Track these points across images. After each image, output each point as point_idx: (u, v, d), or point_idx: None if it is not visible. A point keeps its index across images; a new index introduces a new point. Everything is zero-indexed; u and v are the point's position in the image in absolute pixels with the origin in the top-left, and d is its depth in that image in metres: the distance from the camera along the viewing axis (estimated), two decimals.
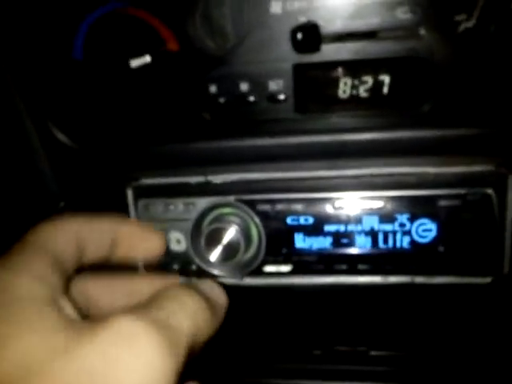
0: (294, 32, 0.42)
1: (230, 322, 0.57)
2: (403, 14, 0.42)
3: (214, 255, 0.48)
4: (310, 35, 0.42)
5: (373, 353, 0.59)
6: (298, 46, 0.42)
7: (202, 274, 0.53)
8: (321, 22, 0.43)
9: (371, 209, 0.49)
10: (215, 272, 0.52)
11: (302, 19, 0.43)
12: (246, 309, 0.58)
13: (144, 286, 0.39)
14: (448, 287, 0.52)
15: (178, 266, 0.53)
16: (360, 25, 0.43)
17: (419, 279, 0.52)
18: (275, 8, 0.43)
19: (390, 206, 0.49)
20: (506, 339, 0.56)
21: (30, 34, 0.46)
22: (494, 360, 0.58)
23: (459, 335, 0.58)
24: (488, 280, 0.51)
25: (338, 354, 0.59)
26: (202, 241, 0.49)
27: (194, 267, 0.53)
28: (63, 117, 0.49)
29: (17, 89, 0.49)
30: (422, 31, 0.42)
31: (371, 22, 0.43)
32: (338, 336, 0.60)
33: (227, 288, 0.53)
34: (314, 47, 0.43)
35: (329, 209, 0.50)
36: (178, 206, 0.52)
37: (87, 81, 0.46)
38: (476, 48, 0.42)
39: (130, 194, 0.54)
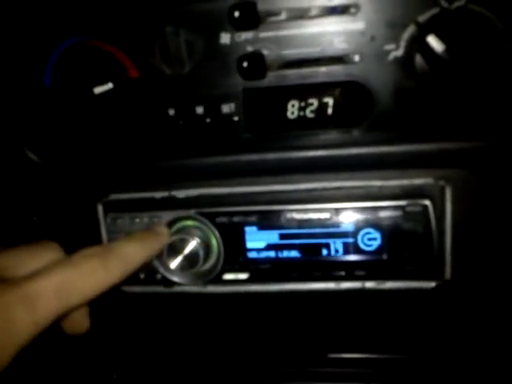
0: (240, 61, 0.46)
1: (196, 327, 0.61)
2: (340, 44, 0.47)
3: (175, 263, 0.52)
4: (255, 64, 0.46)
5: (331, 355, 0.62)
6: (244, 74, 0.47)
7: (168, 281, 0.57)
8: (266, 52, 0.47)
9: (321, 220, 0.54)
10: (177, 280, 0.56)
11: (249, 49, 0.47)
12: (211, 314, 0.62)
13: None
14: (397, 292, 0.56)
15: (144, 275, 0.57)
16: (303, 53, 0.47)
17: (369, 284, 0.56)
18: (224, 39, 0.47)
19: (338, 217, 0.53)
20: (452, 341, 0.60)
21: (4, 63, 0.50)
22: (444, 359, 0.61)
23: (412, 338, 0.62)
24: (432, 285, 0.55)
25: (297, 356, 0.63)
26: (165, 251, 0.52)
27: (158, 276, 0.57)
28: (34, 138, 0.53)
29: None
30: (357, 59, 0.47)
31: (313, 50, 0.47)
32: (297, 340, 0.63)
33: (192, 295, 0.57)
34: (260, 75, 0.47)
35: (281, 220, 0.54)
36: (144, 219, 0.56)
37: (56, 105, 0.50)
38: (406, 74, 0.47)
39: (100, 208, 0.58)
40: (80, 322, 0.41)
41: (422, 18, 0.44)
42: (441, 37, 0.42)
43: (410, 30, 0.45)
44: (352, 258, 0.54)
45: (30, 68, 0.49)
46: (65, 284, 0.34)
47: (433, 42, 0.42)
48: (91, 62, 0.48)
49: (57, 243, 0.40)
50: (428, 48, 0.43)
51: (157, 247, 0.47)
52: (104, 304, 0.43)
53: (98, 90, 0.47)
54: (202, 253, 0.53)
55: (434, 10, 0.44)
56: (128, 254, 0.40)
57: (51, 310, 0.33)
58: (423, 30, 0.43)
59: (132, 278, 0.56)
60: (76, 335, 0.41)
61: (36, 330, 0.32)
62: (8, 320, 0.30)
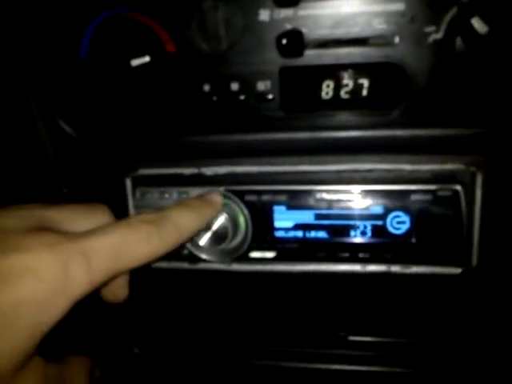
0: (279, 38, 0.46)
1: (219, 305, 0.61)
2: (379, 25, 0.47)
3: (204, 240, 0.53)
4: (293, 41, 0.46)
5: (351, 338, 0.63)
6: (283, 51, 0.47)
7: (193, 258, 0.57)
8: (304, 30, 0.47)
9: (350, 201, 0.54)
10: (204, 256, 0.56)
11: (288, 27, 0.47)
12: (234, 293, 0.63)
13: None
14: (422, 277, 0.56)
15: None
16: (340, 33, 0.47)
17: (395, 268, 0.56)
18: (263, 16, 0.47)
19: (368, 199, 0.53)
20: (477, 329, 0.60)
21: (42, 36, 0.50)
22: (467, 346, 0.61)
23: (435, 323, 0.62)
24: (458, 271, 0.55)
25: (318, 338, 0.63)
26: None
27: (185, 251, 0.57)
28: (69, 109, 0.54)
29: (27, 83, 0.54)
30: (396, 40, 0.46)
31: (351, 31, 0.47)
32: (319, 321, 0.64)
33: (217, 273, 0.57)
34: (298, 52, 0.47)
35: (310, 200, 0.54)
36: (173, 194, 0.56)
37: (92, 78, 0.51)
38: (445, 57, 0.46)
39: (128, 183, 0.58)
40: (120, 290, 0.41)
41: (465, 0, 0.43)
42: (484, 18, 0.42)
43: (452, 11, 0.44)
44: (380, 240, 0.54)
45: (68, 39, 0.50)
46: (121, 245, 0.34)
47: (476, 23, 0.42)
48: (129, 35, 0.48)
49: (107, 207, 0.40)
50: (471, 30, 0.42)
51: (209, 216, 0.47)
52: (130, 278, 0.43)
53: (135, 62, 0.47)
54: (230, 229, 0.53)
55: None
56: (182, 224, 0.40)
57: (105, 269, 0.33)
58: (466, 11, 0.43)
59: None
60: (114, 303, 0.42)
61: (89, 288, 0.32)
62: (65, 273, 0.31)
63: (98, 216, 0.39)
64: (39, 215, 0.35)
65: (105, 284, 0.39)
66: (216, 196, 0.50)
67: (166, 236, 0.38)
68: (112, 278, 0.35)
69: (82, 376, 0.38)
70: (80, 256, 0.32)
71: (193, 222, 0.42)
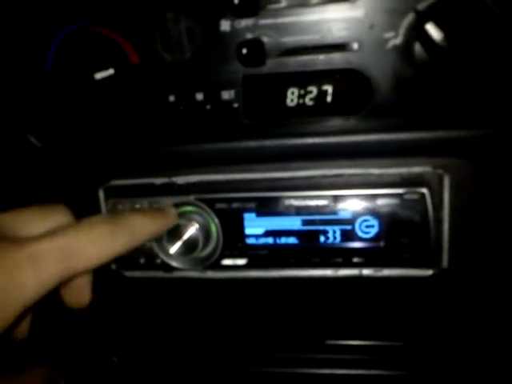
0: (239, 47, 0.46)
1: (196, 312, 0.62)
2: (339, 32, 0.47)
3: (174, 249, 0.53)
4: (254, 50, 0.47)
5: (328, 342, 0.63)
6: (244, 61, 0.47)
7: (167, 267, 0.57)
8: (265, 39, 0.47)
9: (320, 206, 0.54)
10: (176, 265, 0.57)
11: (249, 36, 0.47)
12: (211, 300, 0.63)
13: None
14: (394, 280, 0.57)
15: (144, 260, 0.58)
16: (302, 41, 0.48)
17: (367, 272, 0.56)
18: (224, 26, 0.47)
19: (336, 204, 0.54)
20: (448, 329, 0.60)
21: (7, 49, 0.51)
22: (442, 347, 0.62)
23: (410, 325, 0.63)
24: (429, 273, 0.55)
25: (295, 342, 0.64)
26: (165, 236, 0.53)
27: (158, 261, 0.57)
28: (37, 123, 0.54)
29: None
30: (356, 46, 0.47)
31: (312, 38, 0.48)
32: (296, 326, 0.64)
33: (191, 280, 0.58)
34: (259, 61, 0.48)
35: (280, 207, 0.54)
36: (144, 204, 0.56)
37: (57, 90, 0.51)
38: (404, 61, 0.47)
39: (101, 194, 0.58)
40: (81, 295, 0.41)
41: (421, 6, 0.44)
42: (439, 25, 0.42)
43: (410, 17, 0.45)
44: (350, 245, 0.54)
45: (32, 53, 0.50)
46: (71, 247, 0.34)
47: (431, 29, 0.43)
48: (92, 48, 0.48)
49: (66, 207, 0.40)
50: (427, 36, 0.43)
51: (164, 225, 0.48)
52: (104, 288, 0.43)
53: (99, 75, 0.48)
54: (201, 238, 0.53)
55: None
56: (135, 227, 0.40)
57: (55, 272, 0.33)
58: (422, 17, 0.43)
59: (132, 263, 0.58)
60: (76, 309, 0.42)
61: (40, 292, 0.32)
62: (14, 278, 0.31)
63: (57, 217, 0.39)
64: None
65: (64, 287, 0.40)
66: (170, 208, 0.51)
67: (119, 237, 0.38)
68: (68, 280, 0.35)
69: None
70: (26, 261, 0.32)
71: (145, 226, 0.42)
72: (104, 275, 0.42)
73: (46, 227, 0.37)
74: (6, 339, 0.36)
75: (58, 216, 0.39)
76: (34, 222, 0.38)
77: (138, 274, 0.60)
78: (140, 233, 0.41)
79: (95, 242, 0.36)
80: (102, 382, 0.66)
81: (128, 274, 0.60)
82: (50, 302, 0.35)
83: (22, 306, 0.32)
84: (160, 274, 0.59)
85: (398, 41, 0.46)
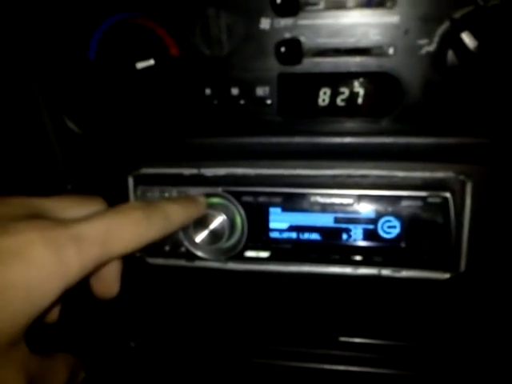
0: (278, 46, 0.48)
1: (215, 302, 0.63)
2: (375, 36, 0.49)
3: (200, 238, 0.54)
4: (292, 49, 0.48)
5: (342, 339, 0.64)
6: (281, 59, 0.49)
7: (190, 255, 0.59)
8: (303, 39, 0.49)
9: (343, 205, 0.55)
10: (201, 254, 0.58)
11: (287, 35, 0.49)
12: (229, 291, 0.65)
13: None
14: (412, 281, 0.58)
15: (169, 248, 0.59)
16: (338, 43, 0.49)
17: (385, 272, 0.57)
18: (264, 24, 0.49)
19: (360, 204, 0.55)
20: (462, 333, 0.62)
21: (52, 38, 0.53)
22: (457, 349, 0.63)
23: (425, 327, 0.64)
24: (446, 276, 0.56)
25: (309, 338, 0.65)
26: (191, 225, 0.55)
27: (183, 249, 0.59)
28: (76, 109, 0.56)
29: (36, 82, 0.56)
30: (391, 51, 0.48)
31: (348, 41, 0.49)
32: (312, 321, 0.65)
33: (213, 271, 0.59)
34: (296, 60, 0.49)
35: (305, 203, 0.56)
36: (172, 193, 0.58)
37: (99, 79, 0.53)
38: (437, 68, 0.48)
39: (130, 181, 0.60)
40: (110, 285, 0.42)
41: (456, 15, 0.46)
42: (474, 34, 0.44)
43: (445, 25, 0.46)
44: (371, 244, 0.55)
45: (76, 42, 0.52)
46: (110, 231, 0.35)
47: (466, 38, 0.44)
48: (135, 39, 0.50)
49: (103, 198, 0.42)
50: (461, 44, 0.44)
51: (195, 213, 0.49)
52: (127, 274, 0.44)
53: (140, 65, 0.50)
54: (226, 229, 0.55)
55: (469, 8, 0.45)
56: (170, 214, 0.42)
57: (96, 254, 0.34)
58: (457, 26, 0.45)
59: (157, 250, 0.59)
60: (104, 299, 0.42)
61: (80, 273, 0.33)
62: (57, 257, 0.31)
63: (93, 206, 0.40)
64: (32, 204, 0.36)
65: (96, 276, 0.41)
66: (201, 197, 0.53)
67: (155, 223, 0.39)
68: (102, 265, 0.37)
69: (63, 373, 0.38)
70: (71, 241, 0.32)
71: (180, 214, 0.44)
72: (126, 261, 0.43)
73: (83, 215, 0.37)
74: (39, 321, 0.37)
75: (96, 206, 0.41)
76: (73, 208, 0.39)
77: (160, 261, 0.61)
78: (174, 220, 0.43)
79: (132, 227, 0.37)
80: (118, 367, 0.68)
81: (151, 260, 0.62)
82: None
83: (65, 286, 0.32)
84: (182, 262, 0.61)
85: (431, 48, 0.48)
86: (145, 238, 0.38)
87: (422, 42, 0.47)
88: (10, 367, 0.32)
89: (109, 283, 0.42)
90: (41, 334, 0.41)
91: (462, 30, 0.44)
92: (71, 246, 0.32)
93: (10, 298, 0.30)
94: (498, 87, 0.47)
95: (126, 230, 0.37)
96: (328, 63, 0.50)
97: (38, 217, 0.35)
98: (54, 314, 0.41)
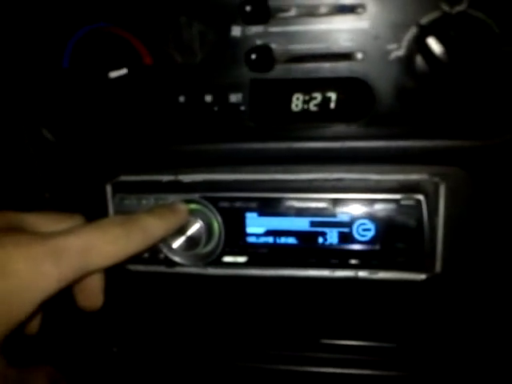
0: (248, 53, 0.49)
1: (196, 307, 0.63)
2: (345, 42, 0.49)
3: (177, 244, 0.55)
4: (263, 56, 0.49)
5: (324, 341, 0.65)
6: (252, 65, 0.49)
7: (169, 262, 0.59)
8: (274, 46, 0.50)
9: (319, 209, 0.56)
10: (179, 260, 0.58)
11: (258, 42, 0.50)
12: (210, 296, 0.65)
13: None
14: (389, 283, 0.59)
15: (148, 254, 0.60)
16: (309, 49, 0.50)
17: (362, 273, 0.58)
18: (235, 32, 0.49)
19: (335, 207, 0.56)
20: (440, 332, 0.62)
21: (26, 47, 0.53)
22: (436, 350, 0.64)
23: (404, 328, 0.64)
24: (422, 277, 0.57)
25: (290, 341, 0.65)
26: None
27: (161, 256, 0.59)
28: (51, 118, 0.56)
29: (11, 91, 0.56)
30: (360, 56, 0.49)
31: (319, 46, 0.50)
32: (293, 324, 0.66)
33: (192, 276, 0.60)
34: (267, 67, 0.50)
35: (281, 208, 0.56)
36: (150, 200, 0.58)
37: (72, 87, 0.53)
38: (406, 73, 0.49)
39: (109, 189, 0.60)
40: (95, 297, 0.42)
41: (423, 21, 0.46)
42: (440, 39, 0.45)
43: (412, 31, 0.47)
44: (347, 247, 0.56)
45: (50, 51, 0.52)
46: (89, 245, 0.36)
47: (432, 43, 0.45)
48: (108, 48, 0.50)
49: (82, 216, 0.42)
50: (428, 49, 0.45)
51: (175, 224, 0.49)
52: (108, 280, 0.45)
53: (113, 74, 0.50)
54: (203, 235, 0.55)
55: (436, 14, 0.46)
56: (149, 228, 0.42)
57: (74, 267, 0.34)
58: (424, 31, 0.46)
59: (136, 257, 0.59)
60: (89, 311, 0.43)
61: (58, 286, 0.33)
62: (36, 271, 0.32)
63: (72, 222, 0.41)
64: (10, 218, 0.37)
65: (79, 289, 0.42)
66: (181, 205, 0.52)
67: (133, 238, 0.40)
68: (83, 278, 0.37)
69: None
70: (49, 255, 0.33)
71: (159, 227, 0.44)
72: (107, 268, 0.43)
73: (62, 229, 0.38)
74: (18, 333, 0.37)
75: (74, 222, 0.41)
76: (51, 223, 0.40)
77: (141, 267, 0.62)
78: (153, 233, 0.43)
79: (111, 243, 0.38)
80: (101, 372, 0.68)
81: (131, 267, 0.62)
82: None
83: (42, 298, 0.33)
84: (162, 268, 0.61)
85: (400, 52, 0.48)
86: (124, 253, 0.39)
87: (391, 47, 0.48)
88: None
89: (93, 296, 0.43)
90: (20, 345, 0.41)
91: (428, 36, 0.45)
92: (49, 259, 0.33)
93: None
94: (467, 90, 0.48)
95: (104, 245, 0.37)
96: (300, 69, 0.51)
97: (16, 230, 0.35)
98: (35, 326, 0.42)
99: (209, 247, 0.58)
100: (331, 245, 0.56)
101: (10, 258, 0.32)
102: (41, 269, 0.32)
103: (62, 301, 0.39)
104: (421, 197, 0.54)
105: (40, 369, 0.39)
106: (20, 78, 0.55)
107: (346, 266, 0.57)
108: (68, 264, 0.34)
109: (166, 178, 0.59)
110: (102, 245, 0.37)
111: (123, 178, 0.60)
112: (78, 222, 0.42)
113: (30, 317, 0.34)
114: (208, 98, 0.53)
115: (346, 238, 0.56)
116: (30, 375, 0.37)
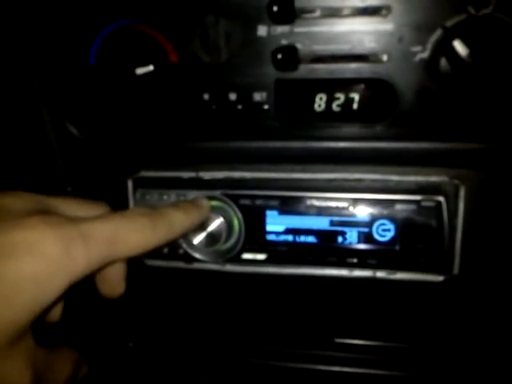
0: (274, 52, 0.49)
1: (213, 304, 0.64)
2: (370, 43, 0.50)
3: (198, 240, 0.56)
4: (288, 56, 0.49)
5: (337, 340, 0.65)
6: (278, 65, 0.50)
7: (188, 258, 0.60)
8: (299, 46, 0.50)
9: (339, 208, 0.56)
10: (198, 256, 0.59)
11: (284, 42, 0.50)
12: (227, 293, 0.66)
13: None
14: (406, 283, 0.59)
15: (168, 250, 0.60)
16: (333, 50, 0.50)
17: (380, 274, 0.58)
18: (261, 31, 0.50)
19: (355, 207, 0.56)
20: (456, 335, 0.63)
21: (54, 44, 0.54)
22: (451, 351, 0.64)
23: (420, 328, 0.65)
24: (440, 278, 0.58)
25: (304, 339, 0.66)
26: None
27: (181, 251, 0.60)
28: (76, 113, 0.57)
29: (38, 86, 0.57)
30: (385, 58, 0.50)
31: (343, 47, 0.50)
32: (308, 323, 0.66)
33: (210, 273, 0.60)
34: (292, 67, 0.50)
35: (301, 207, 0.57)
36: (171, 196, 0.59)
37: (99, 84, 0.54)
38: (430, 75, 0.49)
39: (130, 184, 0.61)
40: (117, 284, 0.43)
41: (449, 23, 0.47)
42: (466, 42, 0.45)
43: (437, 33, 0.47)
44: (365, 246, 0.56)
45: (78, 48, 0.53)
46: (116, 233, 0.36)
47: (458, 46, 0.45)
48: (135, 45, 0.51)
49: (107, 204, 0.43)
50: (453, 52, 0.45)
51: (198, 219, 0.50)
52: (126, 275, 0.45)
53: (139, 71, 0.51)
54: (224, 231, 0.56)
55: (462, 16, 0.46)
56: (174, 221, 0.43)
57: (101, 253, 0.35)
58: (450, 34, 0.46)
59: (156, 252, 0.60)
60: (110, 298, 0.44)
61: (86, 270, 0.34)
62: (66, 253, 0.32)
63: (98, 209, 0.41)
64: (41, 200, 0.37)
65: (101, 276, 0.42)
66: (204, 201, 0.53)
67: (158, 229, 0.40)
68: (106, 266, 0.38)
69: (68, 367, 0.39)
70: (80, 238, 0.33)
71: (183, 221, 0.45)
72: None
73: (90, 215, 0.38)
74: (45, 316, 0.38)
75: (101, 209, 0.42)
76: (79, 209, 0.40)
77: (159, 263, 0.62)
78: (178, 227, 0.44)
79: (138, 232, 0.38)
80: (117, 367, 0.69)
81: (150, 262, 0.63)
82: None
83: (70, 281, 0.33)
84: (181, 264, 0.62)
85: (425, 55, 0.49)
86: (149, 244, 0.40)
87: (416, 49, 0.48)
88: (18, 358, 0.33)
89: (115, 284, 0.44)
90: (45, 328, 0.42)
91: (454, 38, 0.45)
92: (80, 242, 0.33)
93: (20, 290, 0.31)
94: (490, 93, 0.48)
95: (131, 234, 0.38)
96: (324, 69, 0.51)
97: (47, 213, 0.36)
98: (57, 314, 0.42)
99: (228, 244, 0.58)
100: (350, 244, 0.57)
101: (41, 238, 0.32)
102: (72, 251, 0.33)
103: (78, 295, 0.40)
104: (441, 198, 0.54)
105: (65, 350, 0.40)
106: (47, 74, 0.56)
107: (365, 265, 0.57)
108: (96, 250, 0.35)
109: (187, 174, 0.59)
110: (129, 234, 0.38)
111: (144, 173, 0.61)
112: (103, 209, 0.43)
113: (55, 302, 0.34)
114: (232, 97, 0.53)
115: (366, 237, 0.56)
116: (56, 356, 0.38)
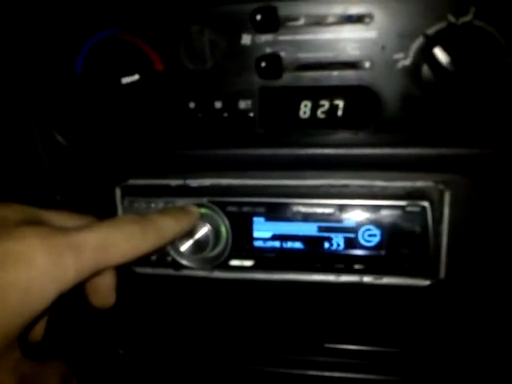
0: (258, 61, 0.50)
1: (202, 310, 0.64)
2: (353, 51, 0.50)
3: (185, 247, 0.56)
4: (272, 64, 0.50)
5: (327, 345, 0.65)
6: (262, 73, 0.50)
7: (177, 265, 0.60)
8: (283, 54, 0.51)
9: (325, 214, 0.57)
10: (186, 263, 0.59)
11: (268, 50, 0.51)
12: (216, 299, 0.66)
13: None
14: (393, 288, 0.59)
15: (156, 257, 0.60)
16: (317, 57, 0.51)
17: (367, 279, 0.59)
18: (245, 40, 0.51)
19: (341, 213, 0.57)
20: (443, 338, 0.63)
21: (40, 54, 0.54)
22: (439, 355, 0.64)
23: (408, 333, 0.65)
24: (426, 283, 0.58)
25: (294, 345, 0.66)
26: None
27: (169, 259, 0.60)
28: (63, 122, 0.57)
29: (25, 96, 0.57)
30: (368, 65, 0.50)
31: (327, 55, 0.51)
32: (297, 328, 0.67)
33: (199, 279, 0.60)
34: (276, 75, 0.51)
35: (288, 213, 0.57)
36: (159, 204, 0.59)
37: (85, 93, 0.54)
38: (412, 82, 0.50)
39: (118, 192, 0.61)
40: (108, 294, 0.43)
41: (430, 31, 0.47)
42: (446, 49, 0.46)
43: (419, 41, 0.48)
44: (352, 252, 0.57)
45: (64, 57, 0.53)
46: (106, 241, 0.36)
47: (439, 53, 0.46)
48: (120, 54, 0.51)
49: (95, 218, 0.43)
50: (434, 59, 0.46)
51: (188, 224, 0.50)
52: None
53: (125, 80, 0.51)
54: (211, 238, 0.56)
55: (442, 24, 0.47)
56: (163, 227, 0.43)
57: (91, 262, 0.35)
58: (430, 41, 0.47)
59: (144, 260, 0.60)
60: (101, 308, 0.44)
61: (76, 279, 0.34)
62: (56, 263, 0.32)
63: (87, 221, 0.42)
64: (32, 211, 0.38)
65: (93, 287, 0.42)
66: (193, 207, 0.53)
67: (148, 236, 0.41)
68: (97, 274, 0.38)
69: (55, 380, 0.39)
70: (70, 248, 0.34)
71: (173, 227, 0.45)
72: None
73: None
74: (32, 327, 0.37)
75: (89, 220, 0.43)
76: (69, 221, 0.41)
77: (148, 270, 0.62)
78: (168, 232, 0.44)
79: (128, 239, 0.39)
80: (107, 374, 0.69)
81: (139, 270, 0.63)
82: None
83: (60, 291, 0.33)
84: (169, 271, 0.62)
85: (407, 62, 0.49)
86: (139, 251, 0.40)
87: (398, 56, 0.49)
88: (3, 371, 0.33)
89: (106, 294, 0.44)
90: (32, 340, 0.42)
91: (435, 46, 0.46)
92: (70, 252, 0.34)
93: (8, 299, 0.31)
94: (472, 100, 0.49)
95: (121, 241, 0.38)
96: (308, 77, 0.52)
97: (37, 223, 0.36)
98: (39, 332, 0.42)
99: (216, 251, 0.58)
100: (337, 250, 0.57)
101: (31, 248, 0.32)
102: (61, 261, 0.33)
103: (67, 304, 0.41)
104: (426, 204, 0.55)
105: (53, 363, 0.40)
106: (34, 84, 0.56)
107: (352, 271, 0.58)
108: (86, 259, 0.35)
109: (174, 182, 0.60)
110: (119, 241, 0.38)
111: (132, 181, 0.61)
112: (92, 221, 0.43)
113: (40, 315, 0.34)
114: (218, 105, 0.54)
115: (352, 243, 0.57)
116: (43, 369, 0.38)
